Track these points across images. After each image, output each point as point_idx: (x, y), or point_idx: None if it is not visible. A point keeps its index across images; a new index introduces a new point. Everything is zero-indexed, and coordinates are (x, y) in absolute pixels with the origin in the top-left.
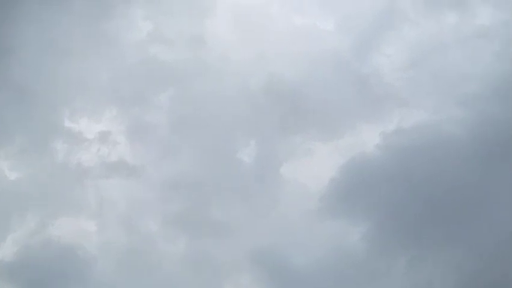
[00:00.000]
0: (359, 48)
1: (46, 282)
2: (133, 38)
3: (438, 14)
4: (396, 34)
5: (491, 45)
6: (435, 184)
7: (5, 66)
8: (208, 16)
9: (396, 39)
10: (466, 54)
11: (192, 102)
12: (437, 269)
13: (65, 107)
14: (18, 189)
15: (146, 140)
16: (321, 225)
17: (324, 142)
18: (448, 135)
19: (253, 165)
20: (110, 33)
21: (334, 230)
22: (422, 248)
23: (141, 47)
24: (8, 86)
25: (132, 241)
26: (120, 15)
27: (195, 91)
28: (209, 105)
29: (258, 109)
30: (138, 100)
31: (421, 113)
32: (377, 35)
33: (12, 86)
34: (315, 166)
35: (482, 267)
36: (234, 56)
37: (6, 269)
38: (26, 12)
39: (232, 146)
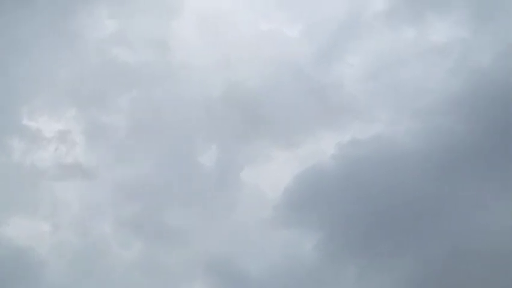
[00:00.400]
0: (321, 57)
1: None
2: (97, 37)
3: (397, 28)
4: (357, 45)
5: (447, 61)
6: (387, 195)
7: None
8: (174, 19)
9: (357, 50)
10: (423, 69)
11: (153, 105)
12: (387, 279)
13: (24, 105)
14: None
15: (103, 142)
16: (275, 234)
17: (282, 150)
18: (403, 147)
19: (213, 170)
20: (73, 32)
21: (287, 239)
22: (372, 257)
23: (104, 47)
24: None
25: (85, 244)
26: (85, 14)
27: (157, 94)
28: (170, 109)
29: (218, 115)
30: (98, 101)
31: (377, 125)
32: (340, 45)
33: None
34: (273, 174)
35: (431, 277)
36: (198, 60)
37: None
38: None
39: (192, 151)
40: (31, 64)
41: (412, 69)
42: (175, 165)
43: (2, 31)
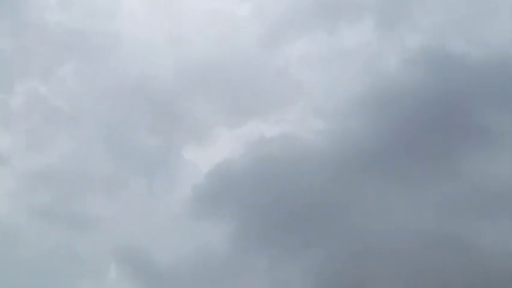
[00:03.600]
0: (232, 59)
1: None
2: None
3: (310, 33)
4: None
5: (355, 65)
6: (296, 190)
7: None
8: None
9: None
10: (331, 72)
11: (87, 82)
12: (297, 269)
13: None
14: None
15: (17, 125)
16: (188, 225)
17: (191, 147)
18: (310, 145)
19: (126, 160)
20: None
21: (200, 230)
22: (282, 249)
23: (48, 14)
24: None
25: None
26: None
27: (96, 67)
28: (102, 88)
29: (130, 107)
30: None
31: (284, 124)
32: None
33: None
34: (184, 170)
35: (339, 270)
36: (144, 34)
37: None
38: None
39: (112, 137)
40: None
41: (321, 71)
42: (93, 151)
43: None
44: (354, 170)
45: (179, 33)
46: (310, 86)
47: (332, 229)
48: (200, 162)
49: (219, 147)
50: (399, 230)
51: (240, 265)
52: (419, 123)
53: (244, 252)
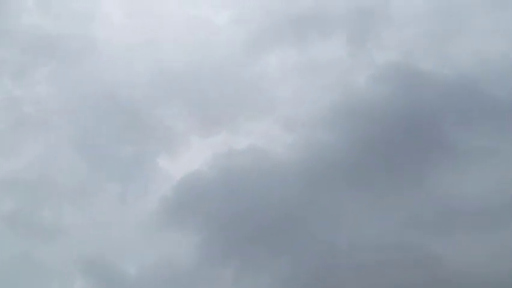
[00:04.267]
0: (207, 68)
1: None
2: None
3: (280, 46)
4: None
5: (324, 79)
6: (264, 203)
7: None
8: None
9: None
10: (301, 85)
11: (62, 85)
12: (264, 280)
13: None
14: None
15: None
16: (154, 236)
17: (166, 156)
18: (278, 158)
19: (96, 168)
20: None
21: (167, 241)
22: (249, 260)
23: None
24: None
25: None
26: None
27: (72, 72)
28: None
29: (103, 113)
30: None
31: (254, 136)
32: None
33: None
34: (158, 179)
35: (307, 281)
36: (122, 40)
37: None
38: None
39: (79, 144)
40: None
41: (292, 85)
42: (62, 157)
43: None
44: (323, 183)
45: (156, 40)
46: (281, 99)
47: (299, 241)
48: (174, 172)
49: (191, 157)
50: (366, 243)
51: (206, 276)
52: (388, 138)
53: (211, 263)
